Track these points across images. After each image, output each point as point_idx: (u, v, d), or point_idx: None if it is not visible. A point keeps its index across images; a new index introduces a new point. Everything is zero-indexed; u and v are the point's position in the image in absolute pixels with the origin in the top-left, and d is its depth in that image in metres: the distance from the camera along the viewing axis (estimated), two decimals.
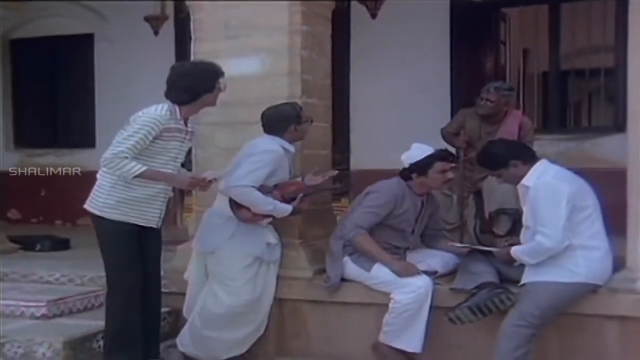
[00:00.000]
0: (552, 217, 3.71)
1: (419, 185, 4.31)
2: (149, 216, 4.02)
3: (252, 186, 4.12)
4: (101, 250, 4.02)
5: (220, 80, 4.03)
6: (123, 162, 3.76)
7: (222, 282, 4.26)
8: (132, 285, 3.99)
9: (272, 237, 4.35)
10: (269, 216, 4.23)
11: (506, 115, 5.43)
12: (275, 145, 4.25)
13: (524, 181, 3.91)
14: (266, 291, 4.38)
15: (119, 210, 3.91)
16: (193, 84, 3.96)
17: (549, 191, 3.76)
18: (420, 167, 4.25)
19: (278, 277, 4.47)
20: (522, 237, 3.99)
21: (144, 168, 3.80)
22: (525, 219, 3.94)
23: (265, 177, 4.17)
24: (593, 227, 3.80)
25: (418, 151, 4.31)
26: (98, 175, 3.98)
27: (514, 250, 3.92)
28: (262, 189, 4.17)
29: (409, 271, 4.12)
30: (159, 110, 3.89)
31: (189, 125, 4.07)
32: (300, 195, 4.28)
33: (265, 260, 4.33)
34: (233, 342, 4.37)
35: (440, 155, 4.29)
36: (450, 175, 4.31)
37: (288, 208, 4.22)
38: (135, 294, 4.00)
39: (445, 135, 5.57)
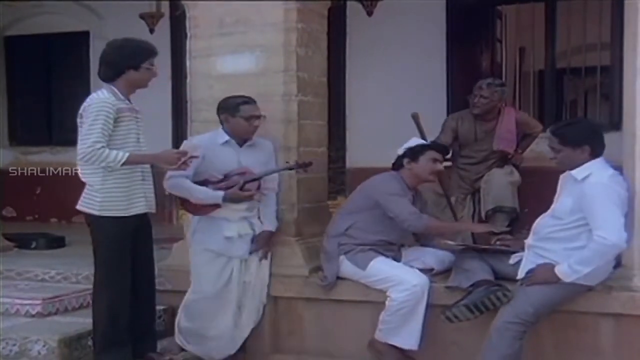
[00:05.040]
0: (613, 216, 3.58)
1: (409, 175, 4.32)
2: (147, 199, 4.00)
3: (186, 177, 4.21)
4: (96, 249, 3.99)
5: (152, 60, 3.96)
6: (104, 152, 3.73)
7: (192, 275, 4.41)
8: (123, 283, 3.97)
9: (232, 232, 4.32)
10: (217, 206, 4.26)
11: (500, 112, 5.43)
12: (201, 136, 4.45)
13: (574, 173, 3.74)
14: (229, 287, 4.35)
15: (119, 205, 3.88)
16: (116, 58, 3.91)
17: (610, 193, 3.62)
18: (413, 152, 4.30)
19: (272, 275, 4.48)
20: (538, 224, 3.87)
21: (127, 154, 3.78)
22: (557, 210, 3.78)
23: (196, 166, 4.21)
24: None
25: (415, 141, 4.41)
26: (83, 178, 3.93)
27: (563, 268, 3.65)
28: (209, 178, 4.27)
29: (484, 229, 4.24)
30: (100, 94, 3.86)
31: (133, 104, 4.03)
32: (241, 182, 4.23)
33: (225, 255, 4.32)
34: (216, 337, 4.37)
35: (433, 145, 4.41)
36: (439, 166, 4.35)
37: (218, 195, 4.23)
38: (126, 291, 3.99)
39: None
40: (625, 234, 3.61)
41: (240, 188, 4.23)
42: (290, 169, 4.40)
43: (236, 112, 4.32)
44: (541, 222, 3.87)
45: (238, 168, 4.31)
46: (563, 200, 3.79)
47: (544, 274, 3.74)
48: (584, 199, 3.66)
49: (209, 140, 4.39)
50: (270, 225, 4.44)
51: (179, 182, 4.22)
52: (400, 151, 4.37)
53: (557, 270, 3.68)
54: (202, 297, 4.36)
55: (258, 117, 4.34)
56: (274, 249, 4.53)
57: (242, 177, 4.27)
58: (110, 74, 3.93)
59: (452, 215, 5.42)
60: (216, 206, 4.27)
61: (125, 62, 3.91)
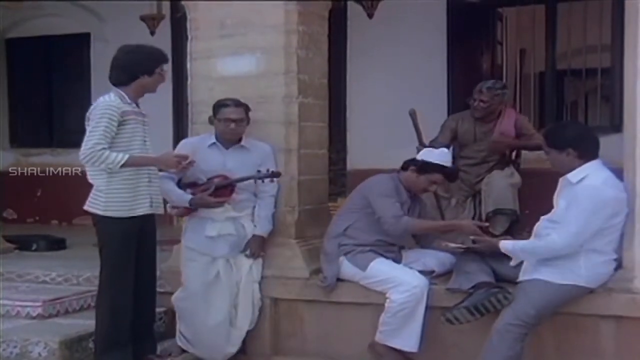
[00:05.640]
0: (581, 225, 3.63)
1: (406, 179, 4.34)
2: (153, 200, 4.04)
3: (171, 178, 4.31)
4: (102, 250, 4.02)
5: (162, 66, 4.04)
6: (104, 154, 3.79)
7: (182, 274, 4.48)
8: (126, 284, 4.00)
9: (213, 231, 4.34)
10: (192, 209, 4.33)
11: (500, 114, 5.42)
12: (193, 138, 4.60)
13: (570, 176, 3.77)
14: (217, 287, 4.36)
15: (123, 206, 3.92)
16: (132, 63, 3.98)
17: (593, 198, 3.66)
18: (425, 166, 4.28)
19: (267, 277, 4.49)
20: (538, 226, 3.90)
21: (127, 156, 3.84)
22: (554, 214, 3.82)
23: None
24: (612, 235, 3.76)
25: (439, 156, 4.32)
26: (90, 179, 3.97)
27: (506, 246, 3.86)
28: (196, 181, 4.33)
29: (471, 228, 4.18)
30: (107, 98, 3.93)
31: (141, 108, 4.08)
32: (212, 188, 4.25)
33: (207, 254, 4.34)
34: (211, 337, 4.37)
35: (447, 171, 4.32)
36: (433, 188, 4.42)
37: (186, 199, 4.29)
38: (129, 292, 4.01)
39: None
40: (575, 248, 3.67)
41: (211, 193, 4.25)
42: (260, 178, 4.33)
43: (217, 114, 4.37)
44: (541, 225, 3.89)
45: (219, 172, 4.32)
46: (559, 203, 3.82)
47: (489, 243, 4.01)
48: (570, 200, 3.71)
49: (198, 142, 4.46)
50: (261, 230, 4.43)
51: (161, 184, 4.24)
52: (419, 156, 4.34)
53: (501, 244, 3.90)
54: (188, 295, 4.40)
55: (234, 120, 4.34)
56: (274, 250, 4.54)
57: (216, 182, 4.30)
58: (123, 79, 3.99)
59: (445, 217, 5.42)
60: (191, 209, 4.33)
61: (140, 67, 3.98)
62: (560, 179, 3.88)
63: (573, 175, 3.77)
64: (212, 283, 4.36)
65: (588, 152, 3.80)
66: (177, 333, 4.49)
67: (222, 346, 4.40)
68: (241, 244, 4.41)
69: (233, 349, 4.42)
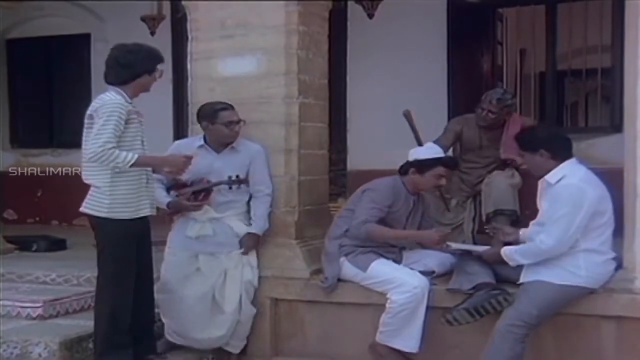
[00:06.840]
0: (566, 222, 3.68)
1: (411, 183, 4.32)
2: (151, 202, 4.05)
3: (159, 180, 4.34)
4: (101, 252, 3.99)
5: (159, 66, 4.03)
6: (115, 153, 3.74)
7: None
8: (127, 285, 3.98)
9: (192, 232, 4.36)
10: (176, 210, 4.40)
11: (506, 122, 5.37)
12: (183, 139, 4.71)
13: (548, 177, 3.84)
14: (197, 279, 4.37)
15: (128, 208, 3.90)
16: (135, 62, 3.94)
17: (574, 195, 3.71)
18: (422, 165, 4.27)
19: (266, 277, 4.48)
20: (526, 231, 3.98)
21: (137, 155, 3.81)
22: (540, 216, 3.89)
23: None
24: (605, 234, 3.80)
25: (429, 150, 4.36)
26: (88, 179, 3.92)
27: (506, 251, 3.90)
28: (186, 182, 4.35)
29: (434, 239, 4.15)
30: (111, 96, 3.87)
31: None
32: (189, 192, 4.29)
33: (188, 249, 4.36)
34: (196, 327, 4.37)
35: (445, 161, 4.33)
36: (442, 182, 4.35)
37: (164, 201, 4.33)
38: (130, 294, 4.00)
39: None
40: (566, 246, 3.71)
41: (188, 198, 4.28)
42: (229, 184, 4.32)
43: (215, 118, 4.36)
44: (531, 230, 3.96)
45: (207, 174, 4.34)
46: (542, 205, 3.89)
47: (492, 255, 4.00)
48: (552, 201, 3.77)
49: (188, 144, 4.48)
50: (257, 228, 4.43)
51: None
52: (411, 158, 4.34)
53: (502, 251, 3.91)
54: (161, 286, 4.39)
55: (237, 122, 4.36)
56: (275, 250, 4.55)
57: (198, 185, 4.33)
58: (125, 77, 3.94)
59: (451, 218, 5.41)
60: (176, 211, 4.38)
61: (143, 66, 3.96)
62: (540, 182, 3.94)
63: (551, 176, 3.84)
64: (191, 275, 4.37)
65: (560, 151, 3.87)
66: (166, 328, 4.47)
67: (207, 330, 4.35)
68: (227, 244, 4.39)
69: (220, 332, 4.37)
